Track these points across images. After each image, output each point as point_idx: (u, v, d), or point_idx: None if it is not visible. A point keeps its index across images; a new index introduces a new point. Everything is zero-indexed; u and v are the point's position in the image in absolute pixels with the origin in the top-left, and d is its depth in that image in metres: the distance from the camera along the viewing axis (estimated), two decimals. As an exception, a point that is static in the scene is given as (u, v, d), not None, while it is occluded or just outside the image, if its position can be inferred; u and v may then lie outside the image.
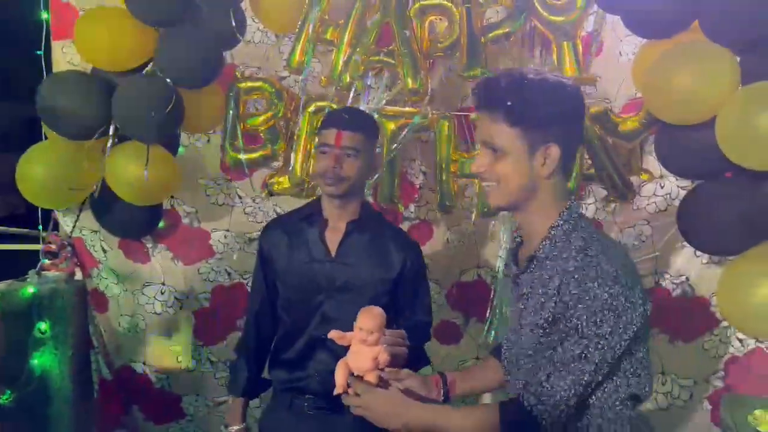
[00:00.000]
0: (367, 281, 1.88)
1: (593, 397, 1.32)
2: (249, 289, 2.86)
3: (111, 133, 2.48)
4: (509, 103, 1.32)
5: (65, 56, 2.77)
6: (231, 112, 2.65)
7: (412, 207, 2.78)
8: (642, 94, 2.28)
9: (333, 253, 1.89)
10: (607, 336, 1.25)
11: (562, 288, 1.28)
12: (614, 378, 1.31)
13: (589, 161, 2.35)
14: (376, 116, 2.50)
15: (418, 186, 2.78)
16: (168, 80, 2.43)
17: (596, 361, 1.26)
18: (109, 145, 2.49)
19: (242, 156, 2.65)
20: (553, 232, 1.35)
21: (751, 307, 2.01)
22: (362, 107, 2.50)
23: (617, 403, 1.32)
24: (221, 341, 2.98)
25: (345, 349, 1.55)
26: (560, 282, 1.29)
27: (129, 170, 2.44)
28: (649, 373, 1.36)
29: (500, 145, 1.34)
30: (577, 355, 1.26)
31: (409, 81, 2.41)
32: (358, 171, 1.83)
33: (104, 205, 2.63)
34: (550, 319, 1.30)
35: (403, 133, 2.47)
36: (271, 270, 1.97)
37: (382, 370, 1.50)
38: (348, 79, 2.47)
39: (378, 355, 1.48)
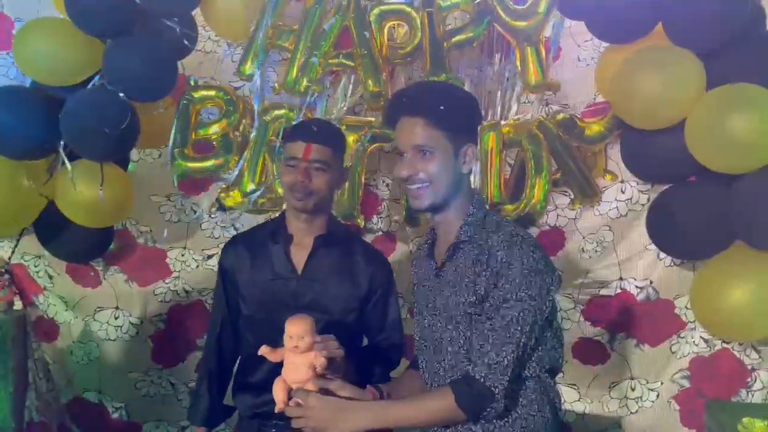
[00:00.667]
0: (336, 299, 1.81)
1: (526, 369, 1.42)
2: (207, 306, 2.78)
3: (60, 151, 2.34)
4: (442, 108, 1.44)
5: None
6: (180, 121, 2.50)
7: (375, 219, 2.72)
8: (609, 99, 2.27)
9: (299, 270, 1.81)
10: (536, 297, 1.37)
11: (490, 260, 1.39)
12: (540, 348, 1.43)
13: (554, 167, 2.33)
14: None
15: (381, 198, 2.72)
16: (121, 94, 2.30)
17: (530, 321, 1.37)
18: (58, 164, 2.35)
19: (191, 165, 2.51)
20: (470, 219, 1.47)
21: (724, 311, 2.02)
22: (319, 116, 2.43)
23: (543, 372, 1.45)
24: (181, 362, 2.84)
25: None
26: (487, 255, 1.40)
27: (82, 191, 2.30)
28: (562, 344, 1.51)
29: (431, 147, 1.44)
30: (515, 317, 1.36)
31: (370, 84, 2.33)
32: (327, 185, 1.77)
33: (51, 228, 2.48)
34: (482, 292, 1.40)
35: (360, 145, 2.40)
36: (233, 289, 1.88)
37: (323, 377, 1.45)
38: (305, 84, 2.37)
39: (313, 362, 1.43)
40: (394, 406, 1.46)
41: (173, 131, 2.52)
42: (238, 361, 1.94)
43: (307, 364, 1.45)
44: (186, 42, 2.44)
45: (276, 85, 2.47)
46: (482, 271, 1.40)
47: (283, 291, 1.80)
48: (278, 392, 1.49)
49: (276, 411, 1.48)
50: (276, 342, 1.76)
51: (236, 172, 2.53)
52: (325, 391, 1.46)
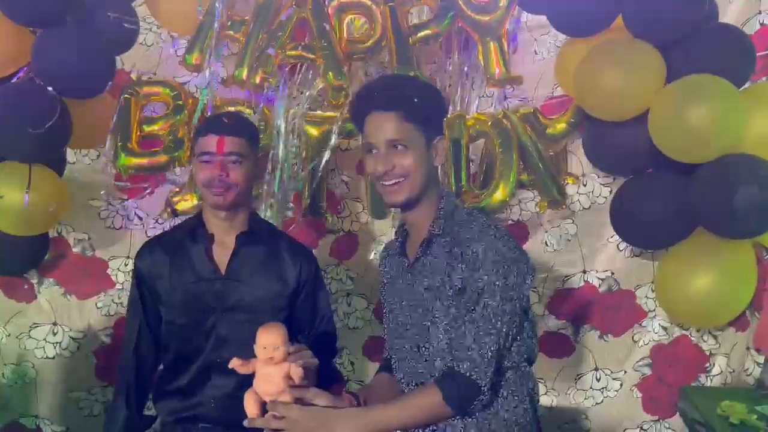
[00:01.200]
0: (262, 298, 1.77)
1: (506, 359, 1.43)
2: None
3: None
4: (415, 100, 1.44)
5: None
6: (122, 117, 2.31)
7: (335, 219, 2.62)
8: (572, 91, 2.28)
9: (223, 271, 1.76)
10: (514, 286, 1.39)
11: (464, 252, 1.39)
12: (518, 338, 1.44)
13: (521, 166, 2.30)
14: (298, 122, 2.33)
15: (340, 197, 2.63)
16: (50, 89, 2.10)
17: (509, 311, 1.38)
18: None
19: (137, 160, 2.31)
20: (441, 213, 1.47)
21: (687, 298, 2.06)
22: (281, 112, 2.32)
23: (522, 362, 1.48)
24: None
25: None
26: (462, 247, 1.40)
27: (7, 195, 2.09)
28: (536, 333, 1.56)
29: (405, 141, 1.43)
30: (495, 308, 1.37)
31: (331, 77, 2.22)
32: (245, 177, 1.73)
33: (-25, 238, 2.25)
34: (458, 285, 1.39)
35: (330, 142, 2.30)
36: (151, 294, 1.80)
37: (297, 387, 1.38)
38: (260, 76, 2.24)
39: (288, 373, 1.37)
40: (381, 409, 1.42)
41: (113, 128, 2.32)
42: (158, 369, 1.86)
43: (282, 374, 1.38)
44: (127, 34, 2.26)
45: (225, 77, 2.33)
46: (457, 263, 1.40)
47: (207, 293, 1.75)
48: (249, 405, 1.42)
49: (247, 425, 1.40)
50: (200, 346, 1.75)
51: (188, 175, 2.38)
52: (300, 401, 1.40)
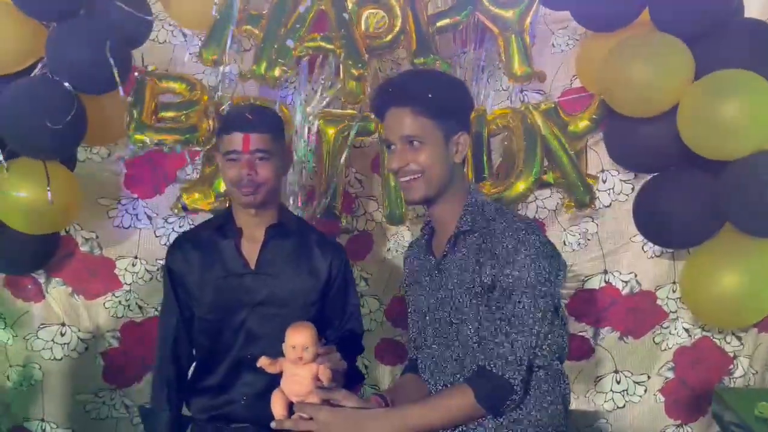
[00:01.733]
0: (293, 292, 1.75)
1: (538, 358, 1.39)
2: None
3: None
4: (430, 96, 1.42)
5: None
6: (138, 93, 2.24)
7: (349, 218, 2.59)
8: (594, 87, 2.26)
9: (253, 265, 1.74)
10: (546, 282, 1.36)
11: (495, 248, 1.37)
12: (550, 336, 1.40)
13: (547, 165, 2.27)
14: (317, 122, 2.30)
15: (354, 195, 2.60)
16: (66, 84, 2.07)
17: (542, 308, 1.35)
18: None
19: (152, 135, 2.21)
20: (469, 209, 1.46)
21: (715, 297, 2.04)
22: (298, 110, 2.29)
23: (554, 361, 1.43)
24: (136, 383, 2.61)
25: None
26: (492, 243, 1.38)
27: (23, 193, 2.05)
28: (568, 331, 1.51)
29: (421, 136, 1.41)
30: (527, 305, 1.34)
31: (351, 67, 2.18)
32: (274, 173, 1.70)
33: (-14, 236, 2.21)
34: (488, 281, 1.37)
35: (350, 137, 2.27)
36: (183, 291, 1.78)
37: (324, 388, 1.37)
38: (278, 71, 2.21)
39: (316, 374, 1.35)
40: (411, 409, 1.39)
41: (131, 106, 2.25)
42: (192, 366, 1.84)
43: (310, 376, 1.36)
44: (142, 28, 2.23)
45: (242, 72, 2.28)
46: (487, 259, 1.38)
47: (237, 288, 1.74)
48: (277, 406, 1.39)
49: (274, 426, 1.38)
50: (231, 343, 1.74)
51: (198, 173, 2.34)
52: (327, 403, 1.38)
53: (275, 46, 2.21)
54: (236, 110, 1.80)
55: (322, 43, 2.24)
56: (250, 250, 1.75)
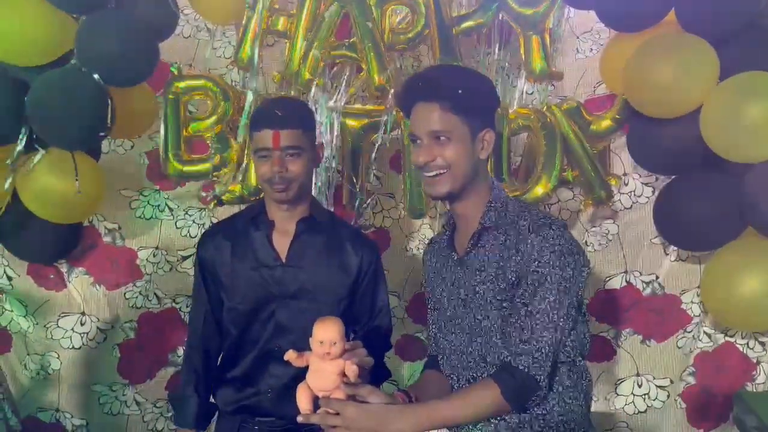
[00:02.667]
0: (323, 286, 1.77)
1: (561, 354, 1.42)
2: (181, 314, 2.65)
3: (22, 138, 2.16)
4: (460, 92, 1.43)
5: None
6: (170, 116, 2.37)
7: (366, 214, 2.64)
8: (617, 88, 2.29)
9: (283, 257, 1.76)
10: (571, 279, 1.38)
11: (520, 244, 1.39)
12: (573, 333, 1.42)
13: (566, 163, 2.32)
14: (338, 116, 2.36)
15: (372, 192, 2.65)
16: (96, 76, 2.15)
17: (566, 304, 1.37)
18: (19, 152, 2.17)
19: (188, 168, 2.38)
20: (492, 205, 1.48)
21: (736, 300, 2.06)
22: (323, 106, 2.35)
23: (577, 357, 1.46)
24: (149, 379, 2.68)
25: None
26: (517, 239, 1.40)
27: (53, 183, 2.13)
28: (589, 329, 1.53)
29: (449, 132, 1.43)
30: (552, 301, 1.36)
31: (375, 77, 2.26)
32: (305, 168, 1.72)
33: (12, 224, 2.29)
34: (513, 279, 1.39)
35: (379, 134, 2.33)
36: (214, 281, 1.82)
37: (349, 384, 1.38)
38: (307, 77, 2.30)
39: (343, 369, 1.37)
40: (439, 405, 1.41)
41: (163, 130, 2.38)
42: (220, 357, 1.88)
43: (336, 371, 1.37)
44: (169, 21, 2.31)
45: (276, 74, 2.38)
46: (512, 255, 1.40)
47: (268, 280, 1.76)
48: (302, 400, 1.41)
49: (301, 420, 1.40)
50: (259, 334, 1.77)
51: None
52: (353, 398, 1.40)
53: (302, 51, 2.28)
54: (266, 106, 1.83)
55: (348, 52, 2.32)
56: (282, 242, 1.77)
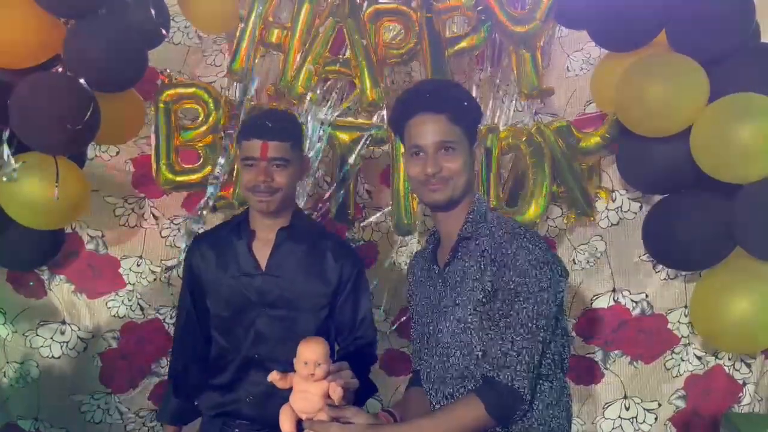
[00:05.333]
0: (303, 294, 1.77)
1: (543, 366, 1.41)
2: (166, 325, 2.60)
3: (4, 142, 2.11)
4: (465, 104, 1.49)
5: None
6: (162, 124, 2.33)
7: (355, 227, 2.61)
8: (607, 107, 2.28)
9: (263, 266, 1.77)
10: (547, 288, 1.37)
11: (496, 254, 1.40)
12: (552, 346, 1.42)
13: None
14: (329, 129, 2.33)
15: (361, 205, 2.62)
16: (82, 80, 2.11)
17: (545, 315, 1.37)
18: (4, 156, 2.12)
19: (180, 178, 2.35)
20: (471, 217, 1.49)
21: (724, 321, 2.03)
22: (312, 119, 2.33)
23: (558, 371, 1.45)
24: (132, 389, 2.62)
25: (281, 368, 1.46)
26: (492, 251, 1.41)
27: (33, 188, 2.08)
28: (570, 344, 1.54)
29: (455, 143, 1.45)
30: (529, 311, 1.35)
31: (368, 93, 2.25)
32: (290, 180, 1.74)
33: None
34: (489, 289, 1.39)
35: (359, 147, 2.30)
36: (199, 288, 1.84)
37: (333, 406, 1.36)
38: (300, 90, 2.28)
39: (327, 392, 1.34)
40: (422, 423, 1.40)
41: (155, 139, 2.35)
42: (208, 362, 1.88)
43: (320, 393, 1.35)
44: (162, 30, 2.27)
45: (270, 87, 2.38)
46: (488, 265, 1.41)
47: (249, 288, 1.77)
48: (285, 422, 1.39)
49: None
50: (240, 341, 1.78)
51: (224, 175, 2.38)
52: (337, 420, 1.38)
53: (295, 64, 2.26)
54: (256, 116, 1.83)
55: (341, 68, 2.31)
56: (263, 251, 1.78)
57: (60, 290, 2.54)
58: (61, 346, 2.54)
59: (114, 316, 2.58)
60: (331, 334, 1.81)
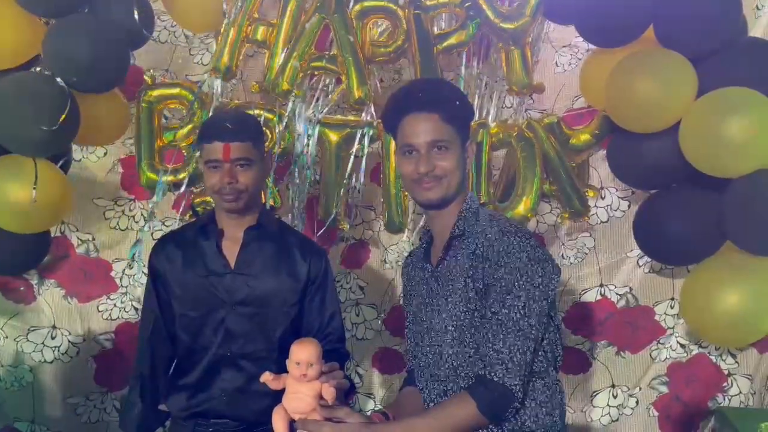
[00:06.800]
0: (272, 292, 1.74)
1: (535, 363, 1.36)
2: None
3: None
4: (457, 103, 1.44)
5: None
6: (144, 124, 2.22)
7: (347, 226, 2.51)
8: (596, 102, 2.20)
9: (232, 264, 1.73)
10: (539, 285, 1.33)
11: (487, 251, 1.36)
12: (544, 343, 1.38)
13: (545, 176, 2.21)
14: (317, 128, 2.24)
15: (352, 204, 2.52)
16: (59, 80, 1.98)
17: (536, 312, 1.32)
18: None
19: (164, 178, 2.23)
20: (463, 214, 1.44)
21: (714, 315, 1.98)
22: (301, 116, 2.23)
23: (551, 368, 1.41)
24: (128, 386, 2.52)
25: (253, 365, 1.54)
26: (484, 248, 1.37)
27: (10, 190, 1.98)
28: (563, 342, 1.47)
29: (448, 141, 1.41)
30: (521, 308, 1.31)
31: (355, 91, 2.15)
32: (254, 180, 1.70)
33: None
34: (481, 287, 1.35)
35: (356, 144, 2.21)
36: (165, 288, 1.78)
37: (326, 406, 1.32)
38: (285, 87, 2.17)
39: (319, 392, 1.31)
40: (414, 422, 1.35)
41: (138, 141, 2.24)
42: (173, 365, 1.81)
43: (313, 393, 1.32)
44: (144, 29, 2.15)
45: (254, 84, 2.26)
46: (480, 263, 1.37)
47: (217, 287, 1.73)
48: (278, 423, 1.35)
49: None
50: (210, 340, 1.73)
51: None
52: (330, 420, 1.32)
53: (281, 62, 2.16)
54: (216, 119, 1.76)
55: (328, 65, 2.20)
56: (231, 250, 1.74)
57: (50, 295, 2.44)
58: (53, 351, 2.43)
59: (106, 319, 2.48)
60: (301, 331, 1.76)
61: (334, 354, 1.71)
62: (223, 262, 1.73)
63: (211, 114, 2.19)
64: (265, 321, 1.71)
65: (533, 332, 1.32)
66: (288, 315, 1.74)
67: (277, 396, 1.36)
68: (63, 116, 1.94)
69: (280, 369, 1.38)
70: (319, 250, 1.85)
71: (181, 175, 2.24)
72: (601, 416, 2.44)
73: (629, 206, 2.38)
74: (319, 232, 2.29)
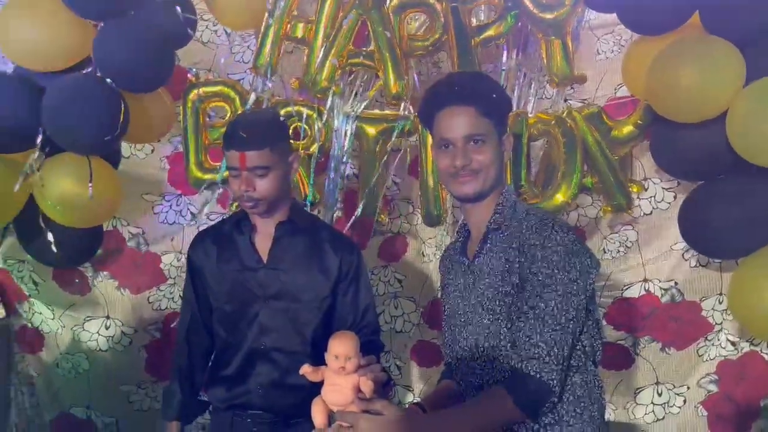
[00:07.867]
0: (304, 286, 1.73)
1: (573, 358, 1.32)
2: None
3: (39, 143, 2.05)
4: (494, 96, 1.42)
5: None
6: (190, 123, 2.25)
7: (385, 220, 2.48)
8: (639, 92, 2.11)
9: (265, 259, 1.73)
10: (576, 279, 1.29)
11: (524, 245, 1.33)
12: (582, 338, 1.34)
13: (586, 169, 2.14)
14: (355, 123, 2.22)
15: (390, 197, 2.50)
16: (109, 81, 2.03)
17: (575, 305, 1.29)
18: (35, 157, 2.06)
19: (209, 177, 2.27)
20: (500, 208, 1.42)
21: (765, 310, 1.86)
22: (340, 112, 2.21)
23: (589, 362, 1.37)
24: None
25: (286, 358, 1.56)
26: (521, 241, 1.34)
27: (68, 187, 2.02)
28: (602, 336, 1.42)
29: (484, 135, 1.38)
30: (558, 302, 1.28)
31: (392, 86, 2.12)
32: (274, 185, 1.67)
33: (32, 229, 2.18)
34: (516, 280, 1.33)
35: (392, 138, 2.18)
36: (201, 283, 1.80)
37: (364, 399, 1.29)
38: (324, 84, 2.16)
39: (357, 385, 1.29)
40: (450, 415, 1.31)
41: (186, 140, 2.28)
42: (212, 356, 1.84)
43: (351, 386, 1.30)
44: (189, 29, 2.18)
45: (294, 80, 2.25)
46: (516, 257, 1.34)
47: (251, 281, 1.74)
48: (317, 415, 1.34)
49: None
50: (245, 334, 1.74)
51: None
52: (368, 413, 1.29)
53: (319, 57, 2.15)
54: (233, 125, 1.71)
55: (365, 61, 2.19)
56: (264, 245, 1.75)
57: (104, 286, 2.50)
58: (107, 340, 2.50)
59: (156, 310, 2.53)
60: (334, 325, 1.75)
61: (370, 345, 1.69)
62: (256, 257, 1.73)
63: (237, 114, 2.19)
64: (297, 315, 1.71)
65: (571, 326, 1.28)
66: (320, 309, 1.73)
67: (312, 390, 1.35)
68: (121, 121, 1.99)
69: (314, 363, 1.37)
70: (350, 245, 1.83)
71: (226, 173, 2.25)
72: (645, 414, 2.34)
73: (675, 197, 2.26)
74: (350, 223, 2.27)
